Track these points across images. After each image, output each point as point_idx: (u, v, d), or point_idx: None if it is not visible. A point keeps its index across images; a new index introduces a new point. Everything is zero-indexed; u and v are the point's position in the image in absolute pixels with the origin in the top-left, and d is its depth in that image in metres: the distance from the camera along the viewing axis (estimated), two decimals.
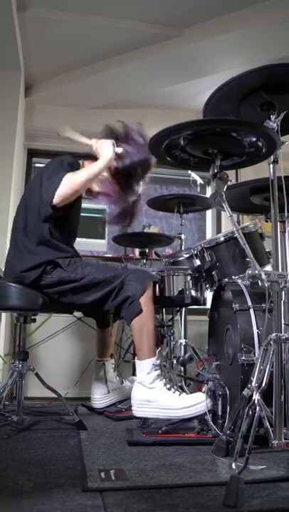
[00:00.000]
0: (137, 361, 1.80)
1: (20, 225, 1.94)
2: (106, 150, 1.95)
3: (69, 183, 1.83)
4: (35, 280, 1.83)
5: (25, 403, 1.99)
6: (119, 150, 1.99)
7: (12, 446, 1.53)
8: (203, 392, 1.72)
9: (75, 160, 2.00)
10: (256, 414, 1.23)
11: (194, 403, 1.70)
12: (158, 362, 1.77)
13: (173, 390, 1.75)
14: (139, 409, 1.73)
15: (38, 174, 2.02)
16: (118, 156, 1.98)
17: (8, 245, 2.61)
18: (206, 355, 2.53)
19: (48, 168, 1.97)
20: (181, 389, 2.26)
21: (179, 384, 2.27)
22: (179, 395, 1.74)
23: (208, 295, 2.32)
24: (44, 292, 1.86)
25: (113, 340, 2.37)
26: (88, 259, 2.00)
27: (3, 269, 2.33)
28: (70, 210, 1.92)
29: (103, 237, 3.44)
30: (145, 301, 1.81)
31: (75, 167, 1.95)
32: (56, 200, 1.81)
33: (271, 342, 1.33)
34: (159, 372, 1.76)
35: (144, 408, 1.72)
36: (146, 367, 1.75)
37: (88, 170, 1.92)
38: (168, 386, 1.75)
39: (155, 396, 1.72)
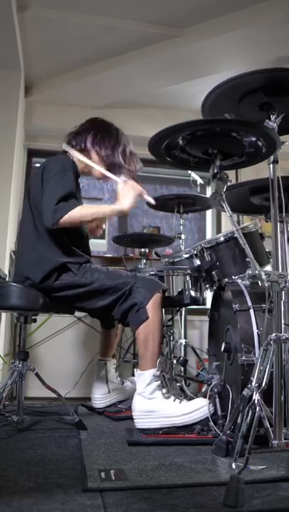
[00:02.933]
0: (137, 371, 1.80)
1: (30, 227, 1.91)
2: (127, 199, 1.87)
3: (77, 216, 1.79)
4: (49, 286, 1.83)
5: (25, 403, 1.99)
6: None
7: (12, 446, 1.53)
8: (206, 396, 1.71)
9: (72, 162, 1.97)
10: (256, 414, 1.23)
11: (195, 409, 1.70)
12: (158, 373, 1.77)
13: (173, 397, 1.75)
14: (141, 421, 1.73)
15: (39, 173, 1.99)
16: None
17: (7, 245, 2.62)
18: (206, 355, 2.53)
19: (48, 169, 1.94)
20: (181, 390, 2.26)
21: (179, 385, 2.27)
22: (180, 402, 1.74)
23: (208, 295, 2.32)
24: (53, 296, 1.85)
25: (117, 340, 2.38)
26: (98, 265, 1.99)
27: (4, 271, 2.33)
28: None
29: (103, 237, 3.44)
30: (152, 308, 1.80)
31: (75, 170, 1.93)
32: (56, 225, 1.77)
33: (271, 342, 1.33)
34: (159, 382, 1.76)
35: (145, 419, 1.72)
36: (146, 378, 1.75)
37: (100, 210, 1.90)
38: (168, 395, 1.75)
39: (155, 406, 1.72)
